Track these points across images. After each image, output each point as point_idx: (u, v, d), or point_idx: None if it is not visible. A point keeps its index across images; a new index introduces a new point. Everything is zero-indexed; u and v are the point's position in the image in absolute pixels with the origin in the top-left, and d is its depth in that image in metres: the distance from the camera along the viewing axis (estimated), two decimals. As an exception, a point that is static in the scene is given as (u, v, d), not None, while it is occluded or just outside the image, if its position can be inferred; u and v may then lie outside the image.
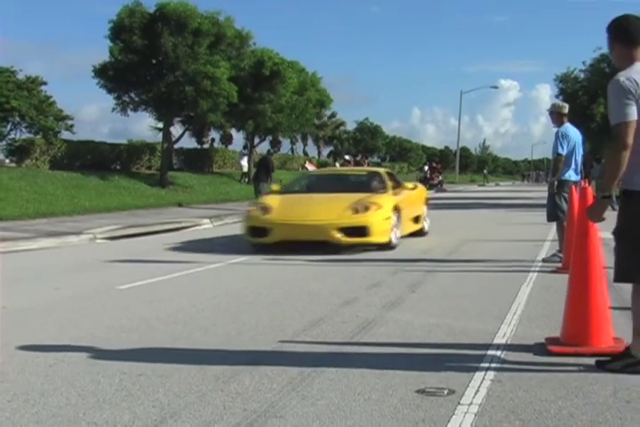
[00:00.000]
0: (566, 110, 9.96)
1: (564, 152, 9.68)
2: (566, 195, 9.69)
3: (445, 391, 4.12)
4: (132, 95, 27.59)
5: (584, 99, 33.70)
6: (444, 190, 47.71)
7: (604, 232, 4.94)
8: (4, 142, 26.17)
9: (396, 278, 8.79)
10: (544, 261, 10.04)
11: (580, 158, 9.96)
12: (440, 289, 8.00)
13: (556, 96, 36.93)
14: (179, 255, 11.45)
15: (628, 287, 4.38)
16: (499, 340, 5.36)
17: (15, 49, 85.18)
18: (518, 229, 16.20)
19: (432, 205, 28.73)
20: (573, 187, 9.37)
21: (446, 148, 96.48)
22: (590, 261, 4.92)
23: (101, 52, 27.16)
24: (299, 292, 7.90)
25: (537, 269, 9.42)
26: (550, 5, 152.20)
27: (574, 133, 9.91)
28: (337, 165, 51.39)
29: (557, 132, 9.82)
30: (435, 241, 13.64)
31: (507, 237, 14.24)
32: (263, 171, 23.66)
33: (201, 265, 10.05)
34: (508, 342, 5.30)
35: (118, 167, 28.71)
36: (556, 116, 9.91)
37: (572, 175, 9.82)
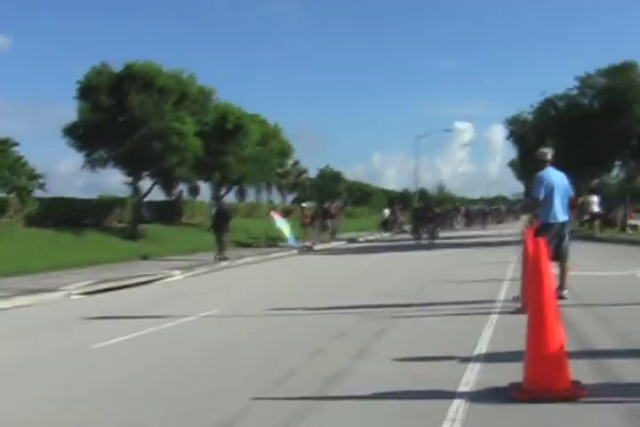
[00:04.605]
0: (547, 157, 10.37)
1: (538, 196, 10.08)
2: (550, 237, 9.91)
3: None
4: (102, 153, 27.89)
5: (533, 140, 34.77)
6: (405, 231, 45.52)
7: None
8: None
9: (361, 326, 8.95)
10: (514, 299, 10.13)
11: (562, 200, 10.21)
12: (404, 335, 8.20)
13: (507, 138, 38.44)
14: (151, 310, 11.55)
15: (585, 327, 4.61)
16: (463, 387, 5.50)
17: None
18: (478, 269, 16.43)
19: (397, 247, 29.37)
20: (525, 229, 9.68)
21: (405, 190, 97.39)
22: (545, 303, 5.13)
23: (72, 109, 27.32)
24: (269, 344, 8.07)
25: (497, 310, 9.64)
26: (493, 51, 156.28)
27: (555, 177, 10.27)
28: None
29: (535, 177, 10.28)
30: (398, 284, 13.91)
31: (467, 278, 14.47)
32: (223, 221, 24.14)
33: (173, 319, 10.16)
34: (473, 389, 5.43)
35: (91, 222, 28.81)
36: (538, 162, 10.44)
37: (555, 217, 10.12)
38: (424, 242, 29.76)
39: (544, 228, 10.11)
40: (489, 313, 9.35)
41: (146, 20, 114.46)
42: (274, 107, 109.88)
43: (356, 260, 23.12)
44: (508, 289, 11.64)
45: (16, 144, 27.78)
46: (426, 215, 31.89)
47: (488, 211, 64.29)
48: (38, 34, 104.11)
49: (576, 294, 10.56)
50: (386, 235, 43.80)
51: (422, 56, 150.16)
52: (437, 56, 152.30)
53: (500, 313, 9.35)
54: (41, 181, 27.42)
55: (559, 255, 10.09)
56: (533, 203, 10.29)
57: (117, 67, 27.52)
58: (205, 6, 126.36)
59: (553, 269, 10.02)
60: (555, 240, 9.97)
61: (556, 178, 10.30)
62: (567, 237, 10.34)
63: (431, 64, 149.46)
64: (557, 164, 10.58)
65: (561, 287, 9.96)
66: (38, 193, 27.99)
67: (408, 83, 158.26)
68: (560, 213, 10.18)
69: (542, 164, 10.37)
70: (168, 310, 11.43)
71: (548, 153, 10.48)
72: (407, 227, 43.82)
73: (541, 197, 10.08)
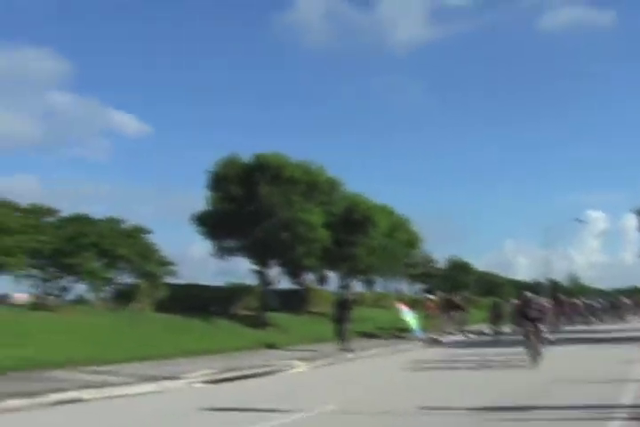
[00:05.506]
0: None
1: None
2: None
3: None
4: (230, 241, 28.60)
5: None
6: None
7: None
8: (112, 287, 27.32)
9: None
10: None
11: None
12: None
13: (638, 229, 37.64)
14: (268, 403, 11.50)
15: None
16: None
17: (125, 194, 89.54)
18: (604, 368, 15.70)
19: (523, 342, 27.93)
20: None
21: (535, 280, 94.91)
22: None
23: (198, 196, 28.49)
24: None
25: (623, 415, 9.09)
26: (622, 138, 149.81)
27: None
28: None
29: None
30: (520, 383, 13.55)
31: (591, 378, 13.88)
32: (344, 311, 24.25)
33: (290, 414, 10.12)
34: None
35: (218, 309, 29.36)
36: None
37: None
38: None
39: None
40: (612, 419, 8.82)
41: (275, 109, 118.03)
42: (402, 193, 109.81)
43: (480, 354, 22.34)
44: (634, 392, 11.01)
45: (148, 232, 28.93)
46: (531, 312, 19.99)
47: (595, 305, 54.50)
48: (172, 123, 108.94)
49: None
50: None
51: (554, 145, 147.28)
52: (568, 144, 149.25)
53: (624, 419, 8.80)
54: (172, 268, 28.37)
55: None
56: None
57: (246, 157, 28.54)
58: (333, 94, 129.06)
59: None
60: None
61: None
62: None
63: (563, 152, 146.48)
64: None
65: None
66: (169, 278, 28.98)
67: (539, 170, 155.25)
68: None
69: None
70: (285, 403, 11.36)
71: None
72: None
73: None
